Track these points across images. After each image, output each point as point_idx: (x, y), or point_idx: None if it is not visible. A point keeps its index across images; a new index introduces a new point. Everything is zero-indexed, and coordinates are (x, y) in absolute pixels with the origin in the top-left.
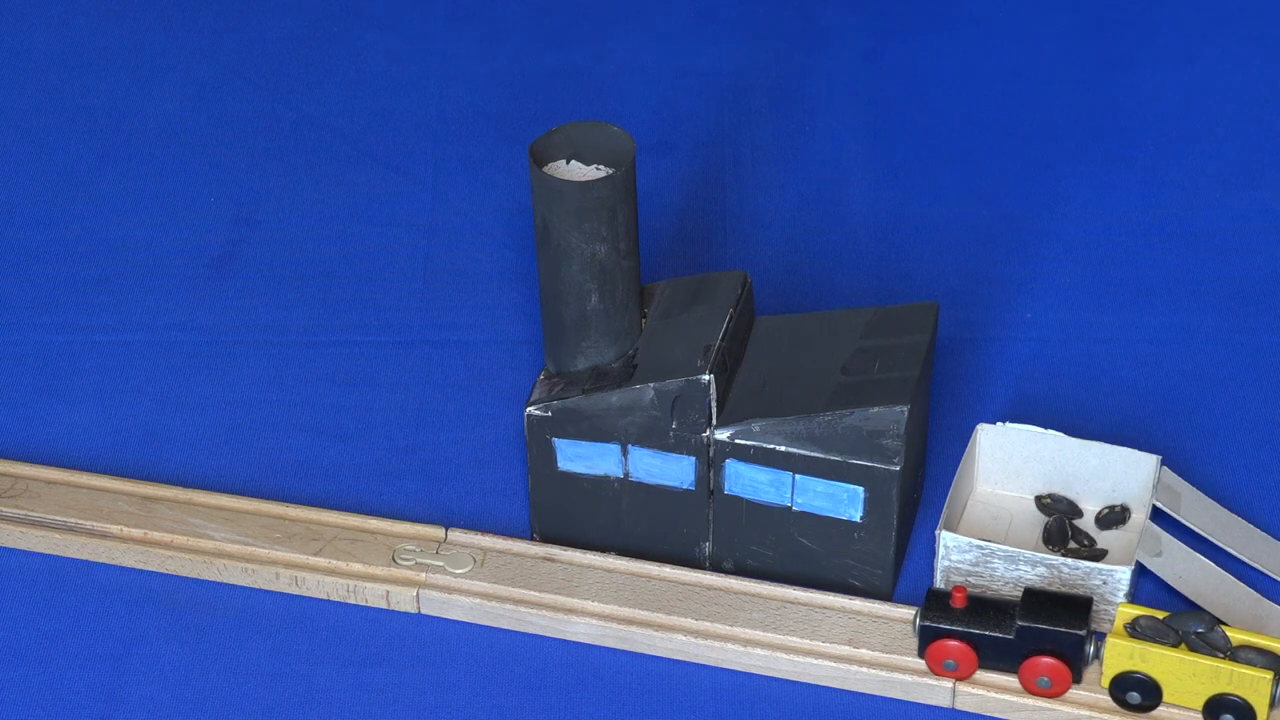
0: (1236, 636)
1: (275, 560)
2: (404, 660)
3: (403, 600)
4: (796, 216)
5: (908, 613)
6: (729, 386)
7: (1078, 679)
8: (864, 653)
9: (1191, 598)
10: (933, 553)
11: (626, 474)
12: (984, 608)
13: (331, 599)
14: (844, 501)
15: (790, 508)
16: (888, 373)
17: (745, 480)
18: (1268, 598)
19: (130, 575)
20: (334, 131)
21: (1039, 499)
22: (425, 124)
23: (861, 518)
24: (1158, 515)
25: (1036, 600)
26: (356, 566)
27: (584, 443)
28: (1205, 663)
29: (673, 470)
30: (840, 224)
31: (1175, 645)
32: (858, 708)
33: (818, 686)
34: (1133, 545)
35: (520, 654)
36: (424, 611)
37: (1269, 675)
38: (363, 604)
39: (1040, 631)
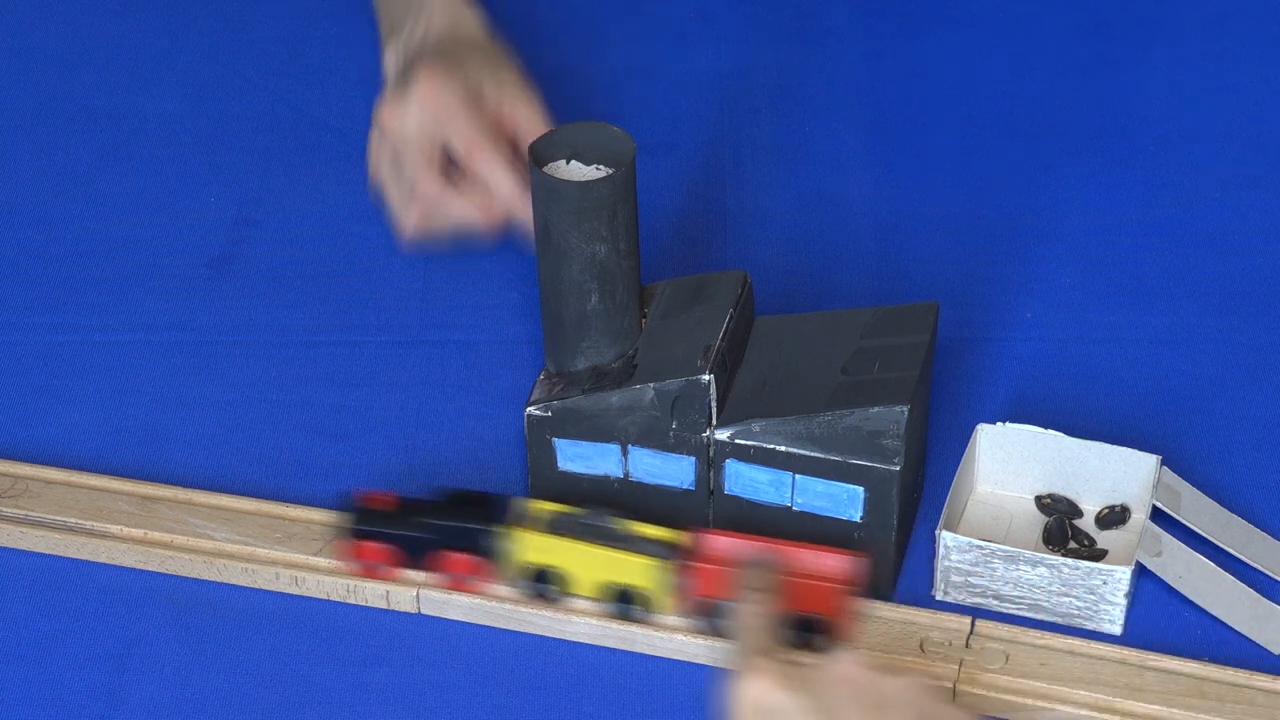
0: (638, 529)
1: (275, 560)
2: (404, 660)
3: (403, 600)
4: (796, 216)
5: (908, 613)
6: (729, 386)
7: (492, 573)
8: (864, 653)
9: (1191, 597)
10: (933, 553)
11: (626, 474)
12: (406, 509)
13: (331, 599)
14: (844, 501)
15: (790, 508)
16: (888, 373)
17: (745, 480)
18: (1268, 598)
19: (130, 575)
20: (334, 131)
21: (1039, 499)
22: None
23: (861, 518)
24: (1158, 515)
25: (454, 500)
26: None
27: (584, 443)
28: (603, 553)
29: (673, 470)
30: (840, 224)
31: (582, 538)
32: None
33: None
34: (1133, 545)
35: (520, 654)
36: (424, 611)
37: (663, 563)
38: (363, 604)
39: (454, 529)
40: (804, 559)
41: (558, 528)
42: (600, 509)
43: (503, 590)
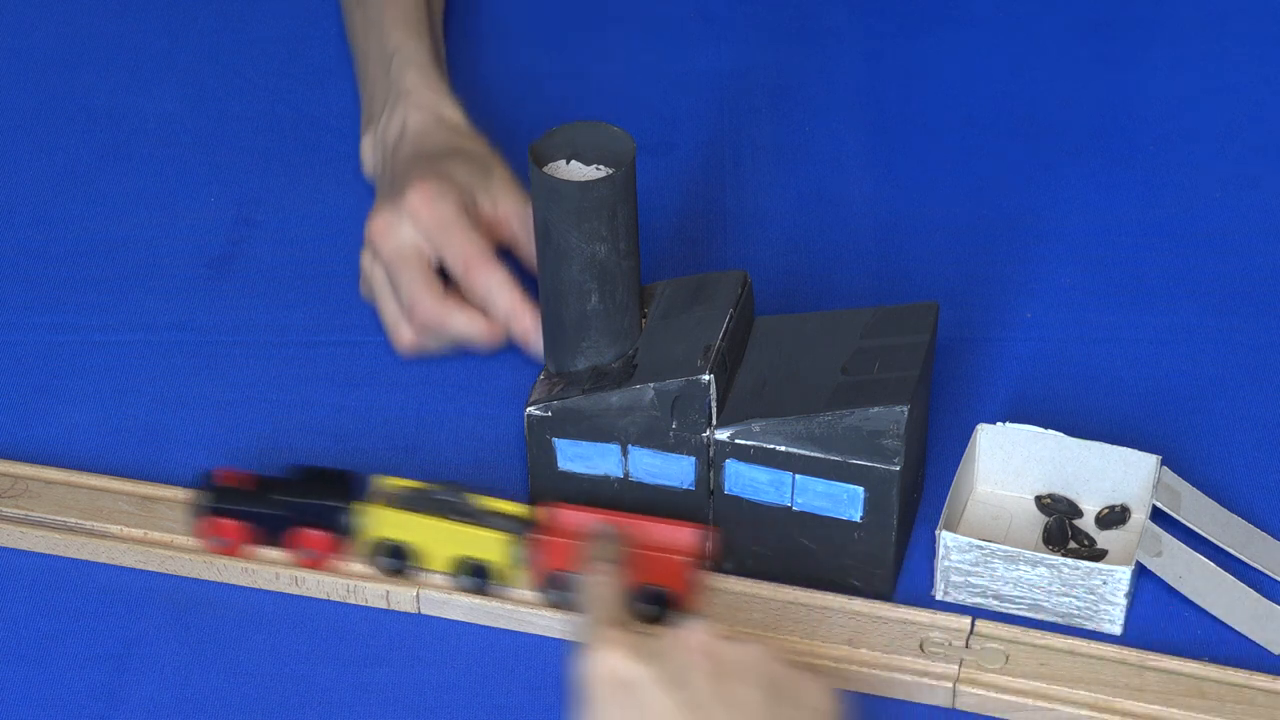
0: (484, 503)
1: (275, 560)
2: (404, 660)
3: (403, 600)
4: (796, 216)
5: (908, 613)
6: (729, 386)
7: (341, 549)
8: (864, 653)
9: (1192, 597)
10: (933, 553)
11: (626, 474)
12: (258, 487)
13: (331, 599)
14: (844, 501)
15: (790, 508)
16: (888, 373)
17: (745, 480)
18: (1268, 598)
19: (130, 575)
20: (334, 131)
21: (1039, 499)
22: None
23: (861, 518)
24: (1158, 515)
25: (302, 476)
26: (356, 566)
27: (584, 443)
28: (453, 527)
29: (673, 470)
30: (840, 224)
31: (428, 513)
32: (858, 708)
33: None
34: (1133, 545)
35: (520, 654)
36: (424, 611)
37: (508, 537)
38: (363, 604)
39: (303, 505)
40: (651, 532)
41: (410, 504)
42: (451, 484)
43: (357, 567)
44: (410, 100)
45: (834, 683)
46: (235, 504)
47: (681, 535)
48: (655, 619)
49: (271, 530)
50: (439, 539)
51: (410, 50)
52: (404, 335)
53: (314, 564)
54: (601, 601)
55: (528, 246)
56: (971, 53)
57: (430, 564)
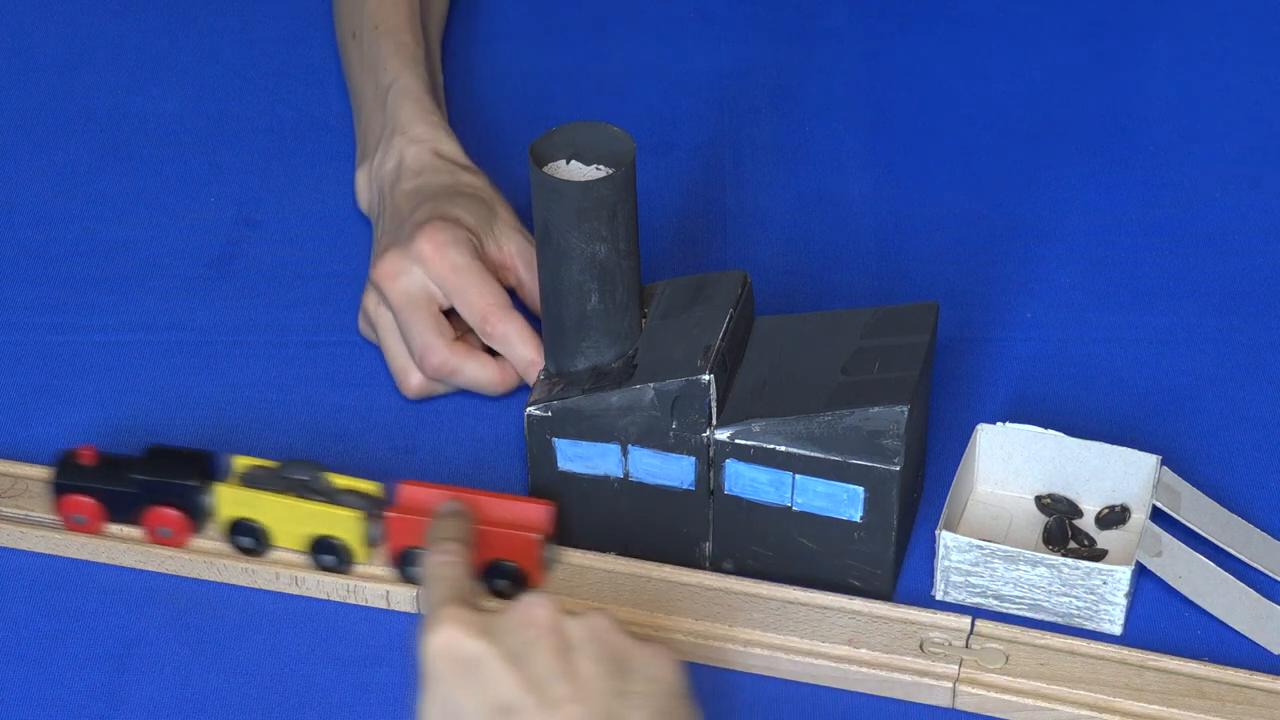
0: (339, 481)
1: (275, 560)
2: (404, 660)
3: (403, 600)
4: (796, 216)
5: (908, 613)
6: (729, 386)
7: (197, 528)
8: (864, 653)
9: (1192, 598)
10: (933, 553)
11: (626, 474)
12: (110, 464)
13: (331, 599)
14: (844, 501)
15: (790, 508)
16: (888, 373)
17: (745, 480)
18: (1268, 598)
19: (130, 575)
20: (334, 131)
21: (1039, 499)
22: None
23: (861, 518)
24: (1158, 515)
25: (157, 455)
26: (357, 566)
27: (584, 443)
28: (304, 506)
29: (673, 470)
30: (840, 224)
31: (282, 492)
32: (858, 708)
33: (818, 686)
34: (1133, 545)
35: None
36: (424, 611)
37: (360, 515)
38: (363, 604)
39: (157, 484)
40: (497, 508)
41: (258, 482)
42: (299, 461)
43: (207, 544)
44: (406, 135)
45: (678, 654)
46: (92, 482)
47: (529, 511)
48: (499, 594)
49: (128, 509)
50: (286, 517)
51: (406, 83)
52: (413, 380)
53: (170, 542)
54: (444, 579)
55: (531, 288)
56: (971, 53)
57: (279, 542)
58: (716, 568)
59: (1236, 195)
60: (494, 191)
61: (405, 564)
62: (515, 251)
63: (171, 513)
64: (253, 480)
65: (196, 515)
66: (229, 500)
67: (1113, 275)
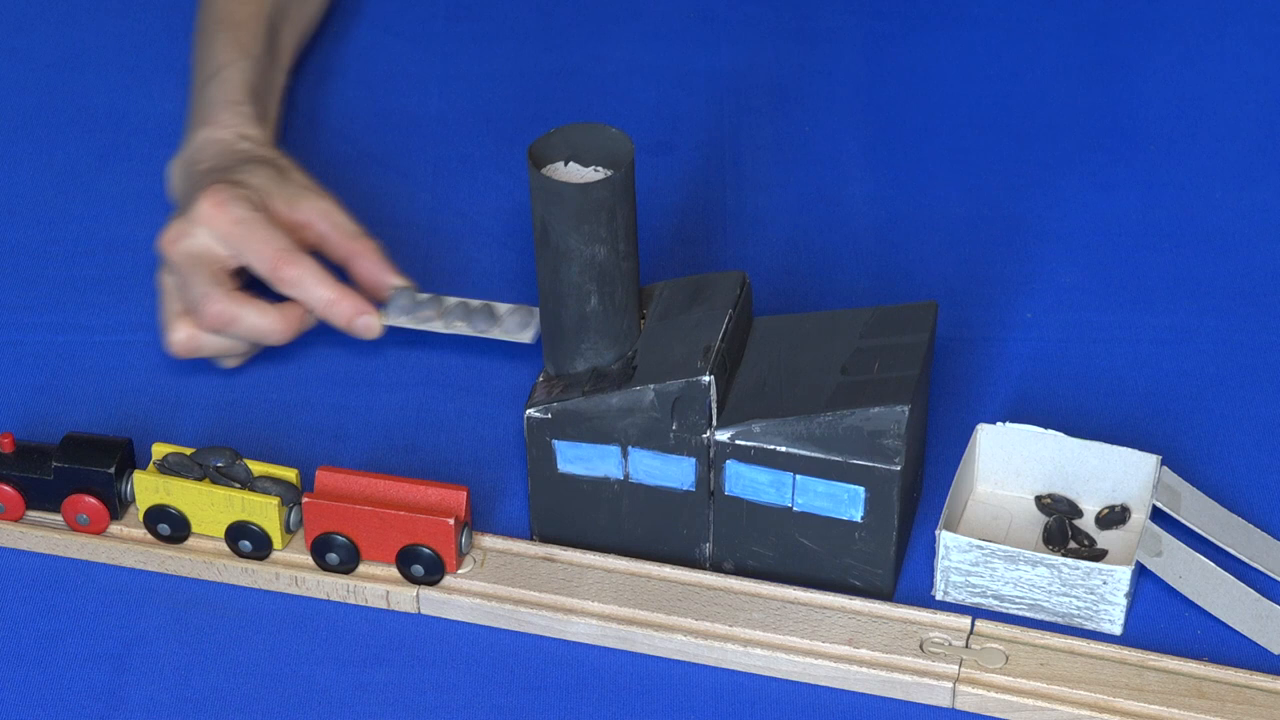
0: (257, 468)
1: (275, 560)
2: (404, 660)
3: (403, 600)
4: (796, 216)
5: (908, 613)
6: (729, 387)
7: (115, 515)
8: (864, 653)
9: (1192, 597)
10: (933, 553)
11: (627, 475)
12: (28, 453)
13: (331, 599)
14: (844, 501)
15: (791, 508)
16: (888, 373)
17: (746, 481)
18: (1268, 598)
19: (130, 575)
20: (334, 131)
21: (1039, 499)
22: (425, 124)
23: (862, 518)
24: (1158, 515)
25: (74, 443)
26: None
27: (584, 444)
28: (221, 492)
29: (673, 471)
30: (840, 224)
31: (199, 479)
32: (858, 708)
33: (818, 686)
34: (1133, 545)
35: (520, 654)
36: (424, 611)
37: (276, 500)
38: (363, 604)
39: (75, 471)
40: (412, 493)
41: (177, 469)
42: (216, 448)
43: (133, 532)
44: (214, 123)
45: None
46: (11, 470)
47: (445, 497)
48: (419, 581)
49: (49, 497)
50: (206, 504)
51: (226, 74)
52: (177, 334)
53: (90, 530)
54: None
55: (337, 242)
56: (971, 53)
57: (199, 528)
58: (716, 568)
59: (1236, 195)
60: (290, 161)
61: (323, 550)
62: (313, 210)
63: (90, 500)
64: (169, 467)
65: (115, 503)
66: (146, 488)
67: (1113, 275)
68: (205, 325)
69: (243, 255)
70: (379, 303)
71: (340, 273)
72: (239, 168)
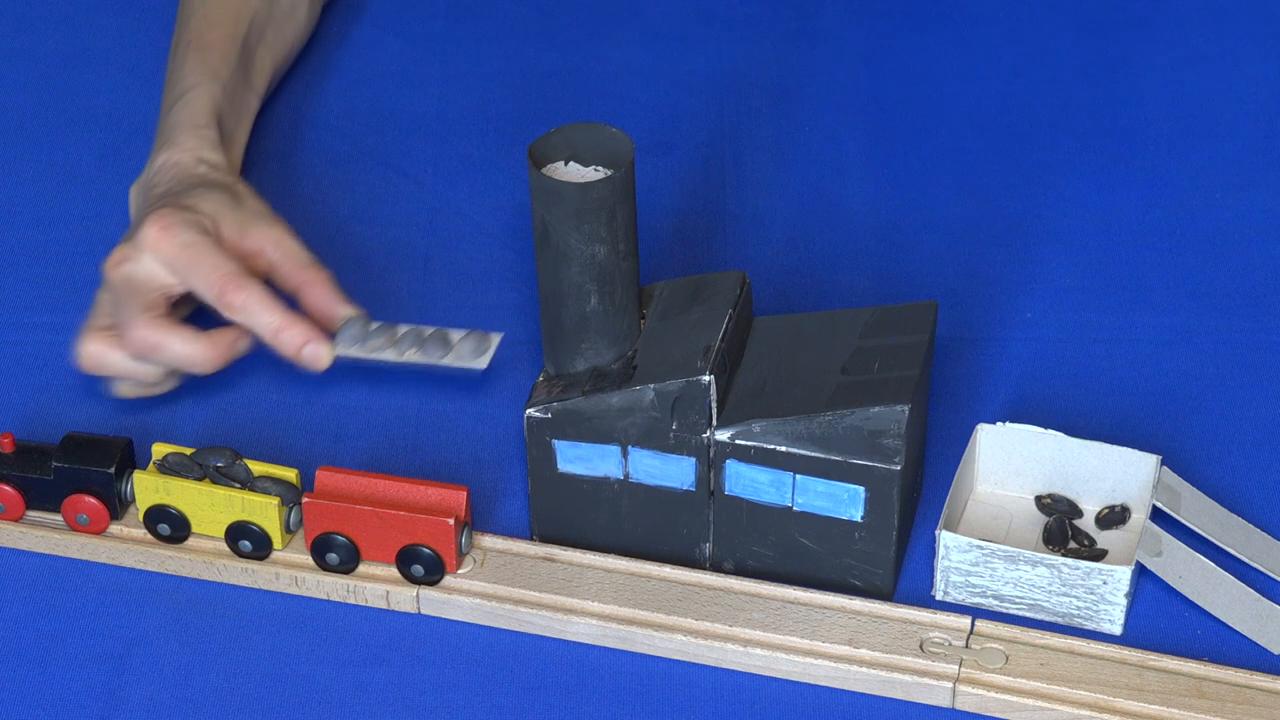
0: (257, 468)
1: (275, 560)
2: (404, 660)
3: (403, 600)
4: (796, 216)
5: (908, 613)
6: (729, 387)
7: (115, 515)
8: (864, 653)
9: (1192, 598)
10: (933, 553)
11: (627, 475)
12: (28, 453)
13: (331, 599)
14: (844, 501)
15: (791, 508)
16: (888, 372)
17: (746, 481)
18: (1268, 598)
19: (130, 575)
20: (334, 131)
21: (1039, 499)
22: (425, 124)
23: (862, 517)
24: (1158, 515)
25: (74, 443)
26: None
27: (584, 444)
28: (221, 492)
29: (673, 471)
30: (840, 224)
31: (199, 479)
32: (858, 708)
33: (818, 686)
34: (1133, 545)
35: (520, 654)
36: (424, 611)
37: (276, 500)
38: (363, 604)
39: (75, 471)
40: (412, 493)
41: (177, 469)
42: (216, 448)
43: (133, 532)
44: (176, 146)
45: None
46: (11, 470)
47: (445, 496)
48: (419, 581)
49: (49, 497)
50: (205, 504)
51: (193, 96)
52: (89, 344)
53: (90, 530)
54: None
55: (288, 271)
56: (971, 53)
57: (199, 529)
58: (716, 568)
59: (1236, 195)
60: (247, 188)
61: (323, 550)
62: (264, 238)
63: (90, 500)
64: (169, 467)
65: (115, 503)
66: (145, 488)
67: (1113, 275)
68: (130, 349)
69: (189, 280)
70: (330, 333)
71: (292, 302)
72: (192, 192)
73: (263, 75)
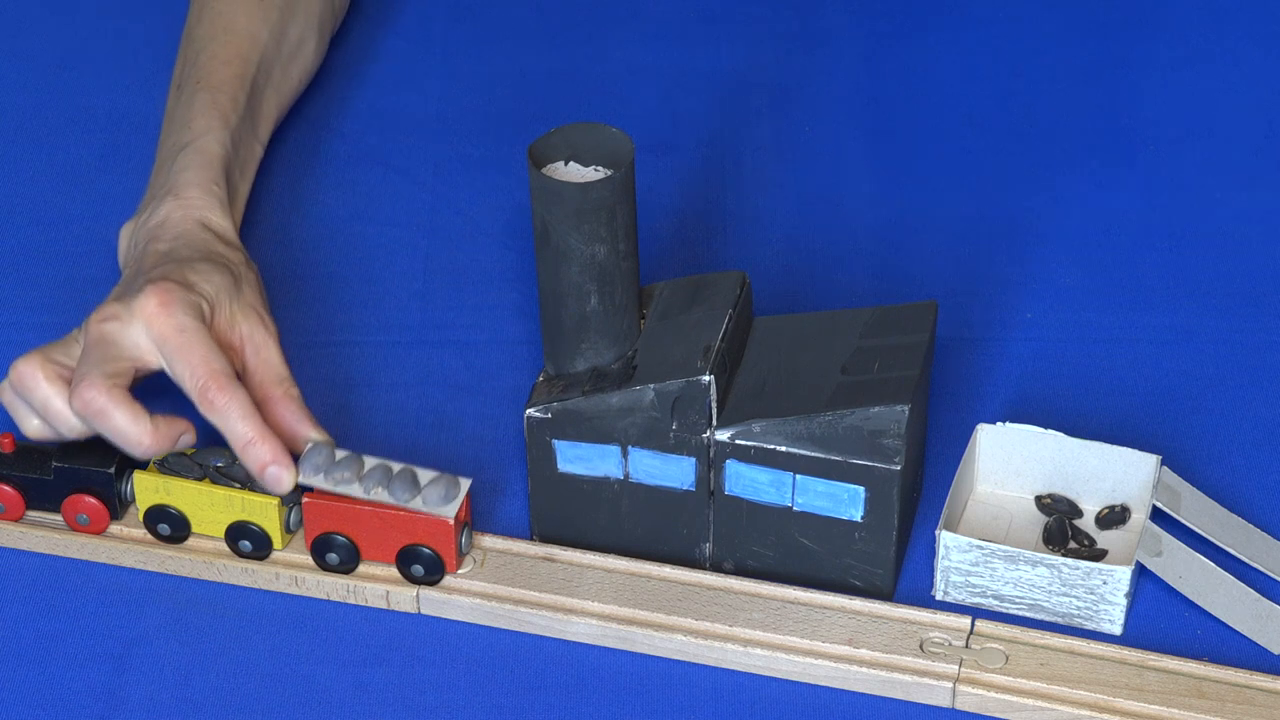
0: None
1: (275, 560)
2: (404, 660)
3: (403, 600)
4: (796, 216)
5: (908, 613)
6: (729, 387)
7: (115, 515)
8: (864, 653)
9: (1192, 598)
10: (933, 553)
11: (627, 475)
12: (28, 453)
13: (331, 599)
14: (844, 501)
15: (791, 508)
16: (888, 372)
17: (746, 481)
18: (1268, 598)
19: (130, 575)
20: (334, 131)
21: (1039, 499)
22: (425, 124)
23: (862, 518)
24: (1158, 515)
25: (74, 443)
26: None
27: (584, 444)
28: (221, 492)
29: (673, 471)
30: (840, 224)
31: (199, 479)
32: (858, 708)
33: (818, 686)
34: (1133, 545)
35: (520, 654)
36: (424, 611)
37: (276, 500)
38: (363, 604)
39: (75, 471)
40: None
41: (177, 469)
42: (216, 448)
43: (133, 532)
44: (179, 198)
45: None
46: (11, 470)
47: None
48: (419, 581)
49: (49, 497)
50: (205, 503)
51: (202, 144)
52: (31, 365)
53: (91, 530)
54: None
55: (259, 381)
56: (971, 53)
57: (199, 528)
58: (716, 568)
59: (1236, 195)
60: (249, 269)
61: (323, 550)
62: (246, 334)
63: (90, 500)
64: (169, 467)
65: (115, 503)
66: (145, 488)
67: (1113, 275)
68: (73, 401)
69: (173, 365)
70: (295, 454)
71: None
72: (196, 266)
73: (268, 122)
